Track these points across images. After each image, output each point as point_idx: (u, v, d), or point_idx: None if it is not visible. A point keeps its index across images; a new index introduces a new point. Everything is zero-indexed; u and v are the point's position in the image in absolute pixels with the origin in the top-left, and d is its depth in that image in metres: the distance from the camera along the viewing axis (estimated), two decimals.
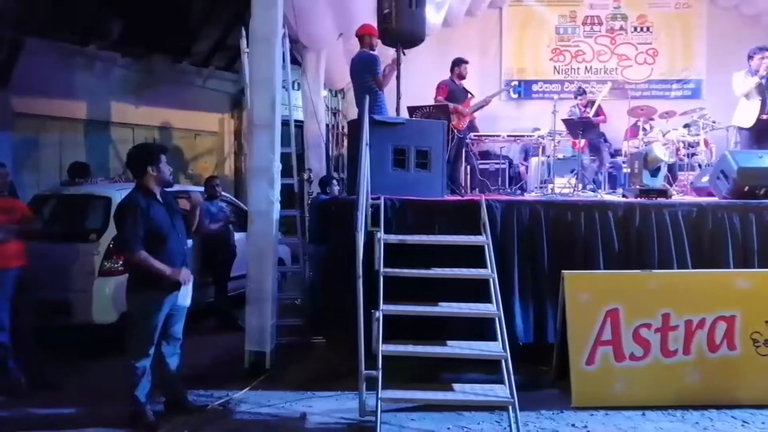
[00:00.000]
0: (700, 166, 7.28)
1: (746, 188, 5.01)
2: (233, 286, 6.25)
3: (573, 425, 3.80)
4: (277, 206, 4.90)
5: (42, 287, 4.68)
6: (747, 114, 6.35)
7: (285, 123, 5.22)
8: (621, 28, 10.12)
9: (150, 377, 3.75)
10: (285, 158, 5.20)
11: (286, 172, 5.21)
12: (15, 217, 4.47)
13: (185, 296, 3.85)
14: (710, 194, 5.57)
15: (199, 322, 5.94)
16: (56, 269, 5.04)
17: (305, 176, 6.98)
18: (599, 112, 8.03)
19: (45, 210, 5.53)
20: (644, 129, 7.60)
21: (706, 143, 7.48)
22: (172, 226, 3.75)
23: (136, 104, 9.31)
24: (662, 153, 5.59)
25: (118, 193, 5.49)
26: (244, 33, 5.23)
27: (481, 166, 8.37)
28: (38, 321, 4.56)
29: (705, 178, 5.94)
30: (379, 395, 3.49)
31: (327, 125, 9.21)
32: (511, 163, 8.66)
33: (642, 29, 10.10)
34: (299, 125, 7.93)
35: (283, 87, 5.25)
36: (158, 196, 3.76)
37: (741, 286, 4.23)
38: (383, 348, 3.69)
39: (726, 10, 9.90)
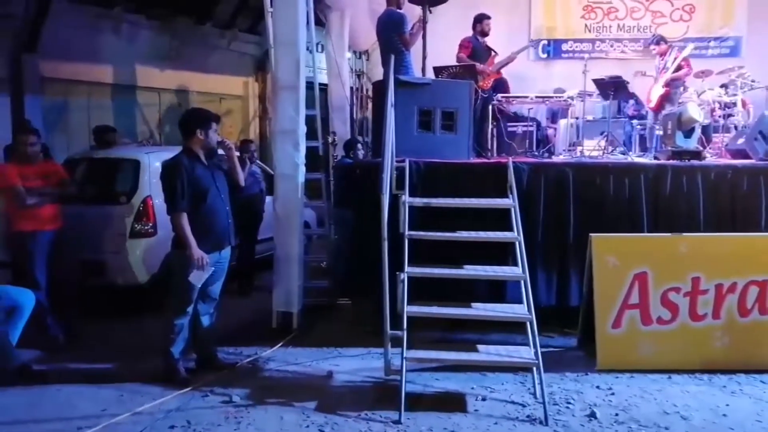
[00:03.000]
0: (736, 127, 7.00)
1: None
2: (260, 249, 6.35)
3: (598, 387, 3.81)
4: (302, 169, 4.92)
5: (76, 248, 4.83)
6: None
7: (309, 85, 5.19)
8: None
9: (186, 335, 3.89)
10: (310, 121, 5.19)
11: (310, 135, 5.21)
12: (52, 181, 4.60)
13: (226, 257, 4.00)
14: (746, 157, 5.38)
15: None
16: (89, 231, 5.17)
17: (330, 139, 6.93)
18: (683, 65, 7.26)
19: (77, 173, 5.64)
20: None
21: (744, 104, 7.18)
22: (215, 187, 3.88)
23: (161, 68, 9.33)
24: (697, 113, 5.41)
25: (146, 157, 5.60)
26: None
27: (508, 128, 8.23)
28: (73, 281, 4.72)
29: (741, 140, 5.73)
30: (405, 355, 3.53)
31: (351, 88, 9.09)
32: (539, 125, 8.47)
33: None
34: (323, 88, 7.86)
35: (308, 48, 5.19)
36: (203, 159, 3.88)
37: None
38: (408, 309, 3.72)
39: None
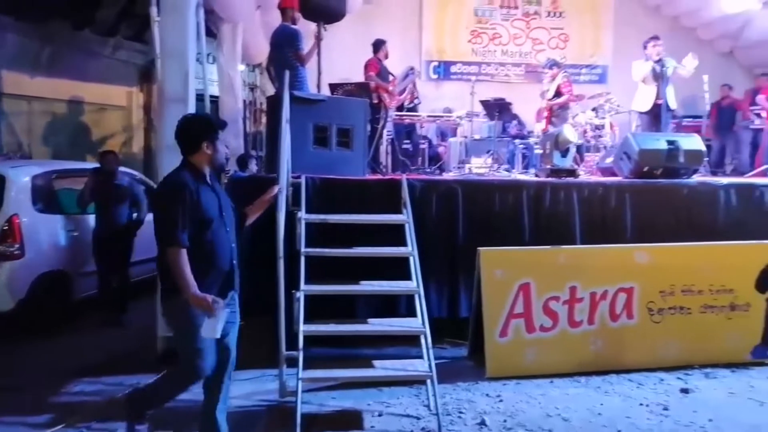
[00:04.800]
0: (605, 147, 7.72)
1: (646, 168, 5.38)
2: (137, 272, 5.97)
3: (487, 395, 3.98)
4: None
5: None
6: (644, 99, 6.84)
7: (200, 98, 5.00)
8: (535, 13, 10.49)
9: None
10: None
11: None
12: None
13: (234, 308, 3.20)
14: (614, 174, 5.93)
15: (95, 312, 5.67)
16: None
17: None
18: (563, 91, 7.53)
19: None
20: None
21: (611, 126, 7.94)
22: (220, 217, 3.01)
23: (32, 75, 8.56)
24: (572, 135, 5.88)
25: (12, 171, 5.10)
26: (154, 0, 4.92)
27: (402, 146, 8.46)
28: None
29: (609, 159, 6.31)
30: (300, 375, 3.48)
31: (244, 101, 8.92)
32: (430, 143, 8.80)
33: (555, 14, 10.52)
34: (214, 100, 7.62)
35: (198, 60, 5.01)
36: (208, 179, 3.02)
37: (639, 259, 4.56)
38: (304, 328, 3.67)
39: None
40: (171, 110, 4.60)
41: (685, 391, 4.04)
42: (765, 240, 4.77)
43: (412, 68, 8.18)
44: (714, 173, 7.38)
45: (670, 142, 5.37)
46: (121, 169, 6.06)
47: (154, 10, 4.90)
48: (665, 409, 3.76)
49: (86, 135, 9.73)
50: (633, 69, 6.94)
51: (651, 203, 5.14)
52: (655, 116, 6.76)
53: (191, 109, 4.64)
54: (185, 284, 2.80)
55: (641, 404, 3.84)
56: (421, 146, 8.21)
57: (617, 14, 10.53)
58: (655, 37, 6.88)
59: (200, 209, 2.89)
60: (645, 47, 6.85)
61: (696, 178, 5.67)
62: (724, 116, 8.60)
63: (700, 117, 8.29)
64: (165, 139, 4.65)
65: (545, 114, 7.65)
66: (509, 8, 10.46)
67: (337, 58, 7.83)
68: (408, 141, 8.18)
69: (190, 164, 2.99)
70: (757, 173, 7.28)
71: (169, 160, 4.58)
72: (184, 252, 2.81)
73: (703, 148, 5.66)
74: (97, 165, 5.87)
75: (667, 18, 10.51)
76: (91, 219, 5.69)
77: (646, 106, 6.81)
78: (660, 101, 6.68)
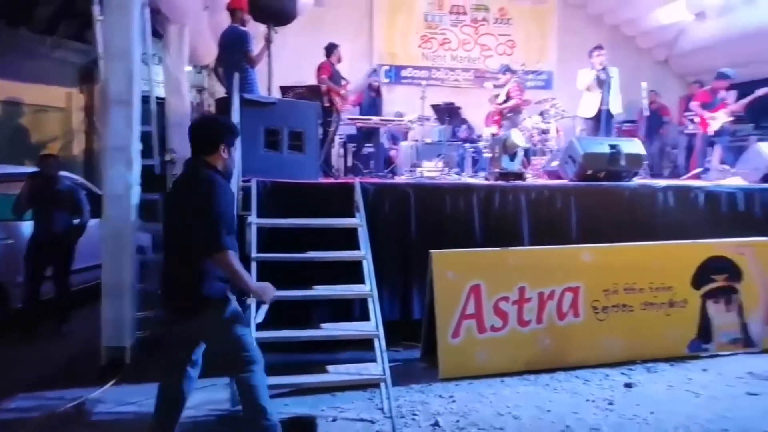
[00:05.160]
0: (551, 151, 7.95)
1: (589, 171, 5.58)
2: (79, 279, 5.73)
3: (440, 396, 4.02)
4: (137, 189, 4.56)
5: None
6: (589, 105, 7.13)
7: (145, 99, 4.85)
8: (483, 19, 10.70)
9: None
10: (145, 137, 4.85)
11: (146, 153, 4.86)
12: None
13: None
14: (560, 177, 6.12)
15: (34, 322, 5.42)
16: None
17: (168, 157, 6.54)
18: (512, 95, 7.81)
19: None
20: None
21: (557, 130, 8.20)
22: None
23: None
24: (519, 139, 6.04)
25: None
26: None
27: (353, 149, 8.48)
28: None
29: (555, 163, 6.51)
30: None
31: (191, 103, 8.72)
32: (382, 146, 8.85)
33: (502, 21, 10.76)
34: (161, 102, 7.41)
35: (143, 60, 4.86)
36: None
37: (585, 259, 4.72)
38: (256, 335, 3.60)
39: (574, 8, 10.86)
40: (115, 112, 4.47)
41: (628, 385, 4.20)
42: (700, 239, 5.02)
43: (374, 70, 8.19)
44: (654, 176, 7.73)
45: (612, 146, 5.60)
46: (62, 173, 5.81)
47: (96, 9, 4.73)
48: (610, 403, 3.90)
49: (24, 138, 9.27)
50: (578, 77, 7.24)
51: (595, 205, 5.34)
52: (599, 121, 7.03)
53: (136, 111, 4.51)
54: (246, 280, 2.80)
55: (588, 400, 3.97)
56: (372, 150, 8.25)
57: (561, 23, 10.87)
58: (599, 47, 7.18)
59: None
60: (590, 56, 7.14)
61: (636, 181, 5.93)
62: (652, 120, 9.03)
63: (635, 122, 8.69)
64: (109, 141, 4.51)
65: (495, 118, 7.82)
66: (458, 14, 10.63)
67: (288, 60, 7.76)
68: (370, 144, 8.20)
69: (210, 165, 2.86)
70: (692, 176, 7.67)
71: (113, 164, 4.47)
72: (232, 252, 2.73)
73: (643, 151, 5.92)
74: (36, 169, 5.61)
75: (608, 27, 10.92)
76: (27, 226, 5.42)
77: (591, 112, 7.10)
78: (604, 107, 6.97)
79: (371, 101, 8.88)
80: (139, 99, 4.55)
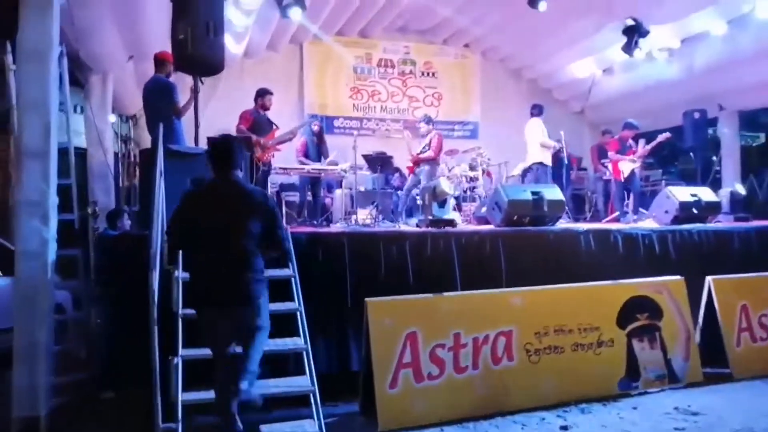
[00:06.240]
0: (480, 197, 8.23)
1: (515, 217, 5.78)
2: None
3: None
4: (53, 245, 4.29)
5: None
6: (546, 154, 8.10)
7: (63, 151, 4.64)
8: (411, 72, 11.11)
9: None
10: (64, 191, 4.61)
11: (65, 207, 4.62)
12: None
13: None
14: (488, 223, 6.30)
15: None
16: None
17: (90, 210, 6.24)
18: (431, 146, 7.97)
19: None
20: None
21: (489, 174, 8.55)
22: None
23: None
24: (448, 187, 6.21)
25: None
26: (9, 48, 4.56)
27: (287, 198, 8.40)
28: None
29: (484, 209, 6.71)
30: None
31: (116, 153, 8.43)
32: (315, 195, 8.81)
33: (428, 74, 11.21)
34: (82, 153, 7.13)
35: (61, 110, 4.67)
36: None
37: (515, 303, 4.82)
38: (183, 397, 3.41)
39: (495, 62, 11.49)
40: (30, 165, 4.24)
41: (564, 428, 4.23)
42: (622, 279, 5.26)
43: (313, 115, 8.20)
44: (576, 220, 8.12)
45: (534, 193, 5.85)
46: None
47: (9, 58, 4.53)
48: None
49: None
50: (532, 129, 8.21)
51: (522, 249, 5.50)
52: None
53: (53, 163, 4.29)
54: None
55: None
56: (306, 198, 8.20)
57: (483, 75, 11.45)
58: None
59: None
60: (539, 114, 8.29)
61: (559, 225, 6.19)
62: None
63: None
64: (23, 196, 4.25)
65: (409, 165, 8.12)
66: (386, 67, 10.98)
67: (217, 110, 7.71)
68: (312, 193, 8.11)
69: (238, 175, 3.52)
70: (611, 219, 8.12)
71: (27, 219, 4.21)
72: None
73: (563, 197, 6.22)
74: None
75: (527, 80, 11.62)
76: None
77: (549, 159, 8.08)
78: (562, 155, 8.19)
79: (315, 147, 8.80)
80: (56, 151, 4.34)
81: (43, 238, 4.20)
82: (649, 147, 8.22)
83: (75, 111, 8.35)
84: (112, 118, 7.92)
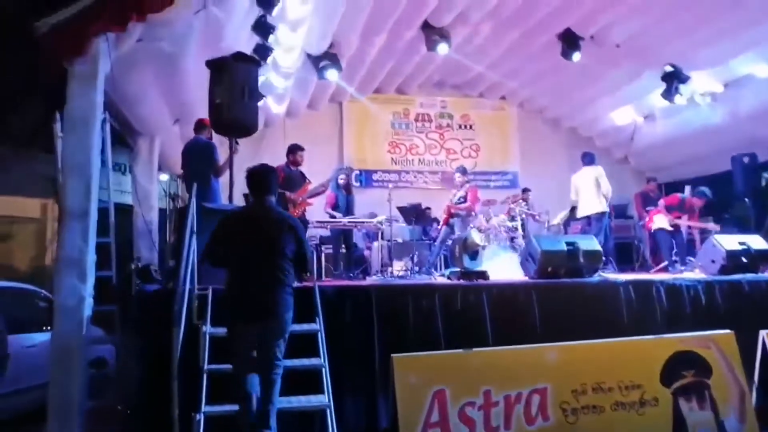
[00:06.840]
0: (518, 248, 8.05)
1: (549, 269, 5.62)
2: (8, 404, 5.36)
3: None
4: (90, 302, 4.47)
5: None
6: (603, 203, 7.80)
7: (106, 210, 4.91)
8: (448, 125, 11.25)
9: None
10: (104, 248, 4.84)
11: (103, 264, 4.83)
12: None
13: None
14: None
15: None
16: None
17: (133, 266, 6.48)
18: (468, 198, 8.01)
19: None
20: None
21: (536, 217, 8.42)
22: None
23: None
24: (478, 238, 6.13)
25: None
26: (58, 117, 4.92)
27: (326, 251, 8.49)
28: None
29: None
30: None
31: (164, 210, 8.80)
32: (355, 246, 8.87)
33: (466, 127, 11.31)
34: (128, 210, 7.49)
35: (104, 166, 4.98)
36: None
37: (549, 358, 4.61)
38: None
39: (532, 113, 11.49)
40: (71, 224, 4.48)
41: None
42: (664, 334, 4.97)
43: (340, 168, 8.37)
44: (622, 270, 7.81)
45: (569, 244, 5.69)
46: None
47: (57, 127, 4.89)
48: None
49: None
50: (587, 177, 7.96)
51: (557, 302, 5.31)
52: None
53: (92, 221, 4.53)
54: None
55: None
56: (343, 251, 8.25)
57: (521, 126, 11.45)
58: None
59: None
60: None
61: (600, 276, 5.96)
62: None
63: None
64: (63, 252, 4.48)
65: (444, 216, 8.04)
66: (424, 121, 11.16)
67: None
68: (345, 245, 8.18)
69: (273, 202, 3.94)
70: (659, 269, 7.78)
71: (66, 277, 4.41)
72: None
73: (600, 248, 6.00)
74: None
75: (566, 129, 11.53)
76: None
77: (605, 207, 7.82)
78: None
79: (344, 200, 8.92)
80: (95, 211, 4.58)
81: (80, 295, 4.39)
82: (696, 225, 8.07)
83: (123, 171, 8.86)
84: (164, 177, 8.32)
